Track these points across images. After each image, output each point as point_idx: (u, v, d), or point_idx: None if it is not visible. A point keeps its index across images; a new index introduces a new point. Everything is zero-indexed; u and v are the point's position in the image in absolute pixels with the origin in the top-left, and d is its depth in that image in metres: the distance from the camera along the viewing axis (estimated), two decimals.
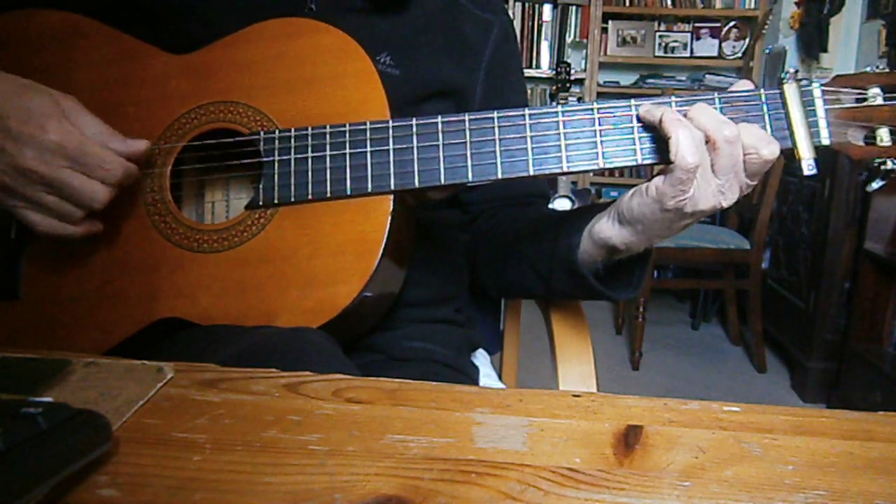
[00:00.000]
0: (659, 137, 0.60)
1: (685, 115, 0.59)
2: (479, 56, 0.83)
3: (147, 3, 0.74)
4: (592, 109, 0.62)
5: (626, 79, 4.01)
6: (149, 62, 0.70)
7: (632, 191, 0.63)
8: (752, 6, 3.81)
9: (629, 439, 0.41)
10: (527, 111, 0.63)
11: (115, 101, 0.70)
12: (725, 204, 0.59)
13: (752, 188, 0.61)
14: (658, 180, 0.59)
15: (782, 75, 0.61)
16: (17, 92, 0.61)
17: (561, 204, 2.47)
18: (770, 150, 0.58)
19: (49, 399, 0.38)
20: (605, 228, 0.66)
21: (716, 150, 0.57)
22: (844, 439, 0.42)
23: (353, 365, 0.61)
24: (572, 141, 0.62)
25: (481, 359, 0.95)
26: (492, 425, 0.43)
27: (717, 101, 0.61)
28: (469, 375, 0.83)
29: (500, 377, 0.97)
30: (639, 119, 0.61)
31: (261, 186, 0.66)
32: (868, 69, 0.62)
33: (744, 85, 0.61)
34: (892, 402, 1.97)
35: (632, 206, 0.62)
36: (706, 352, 2.99)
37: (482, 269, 0.85)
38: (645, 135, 0.61)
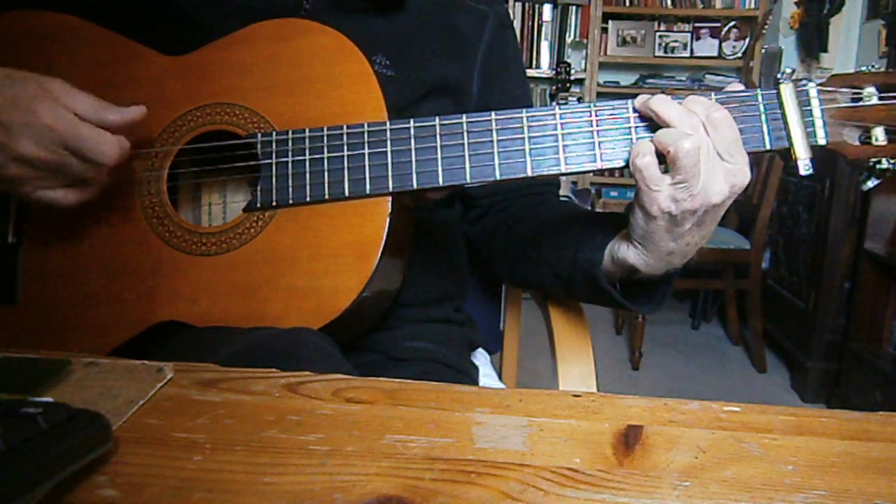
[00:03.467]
0: None
1: (646, 106, 0.60)
2: (474, 48, 0.82)
3: (142, 5, 0.74)
4: (589, 110, 0.62)
5: (626, 79, 4.01)
6: (144, 64, 0.70)
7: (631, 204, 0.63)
8: (752, 6, 3.81)
9: (629, 439, 0.41)
10: (524, 112, 0.62)
11: (111, 103, 0.69)
12: (715, 199, 0.57)
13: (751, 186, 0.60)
14: (637, 190, 0.60)
15: (778, 75, 0.61)
16: (2, 82, 0.60)
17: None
18: (719, 112, 0.57)
19: (49, 399, 0.38)
20: (623, 250, 0.66)
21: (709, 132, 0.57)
22: (844, 439, 0.42)
23: (352, 365, 0.61)
24: (570, 141, 0.62)
25: (481, 359, 0.95)
26: (492, 425, 0.43)
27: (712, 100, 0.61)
28: (469, 375, 0.83)
29: (500, 377, 0.97)
30: (637, 117, 0.61)
31: (258, 189, 0.66)
32: (864, 68, 0.62)
33: (735, 87, 0.61)
34: (892, 402, 1.97)
35: (631, 223, 0.63)
36: (706, 352, 2.99)
37: (497, 263, 0.85)
38: (643, 134, 0.61)
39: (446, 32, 0.80)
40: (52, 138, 0.59)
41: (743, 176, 0.58)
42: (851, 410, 0.46)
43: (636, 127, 0.61)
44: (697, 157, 0.56)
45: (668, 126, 0.58)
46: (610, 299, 0.70)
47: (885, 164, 0.61)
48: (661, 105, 0.58)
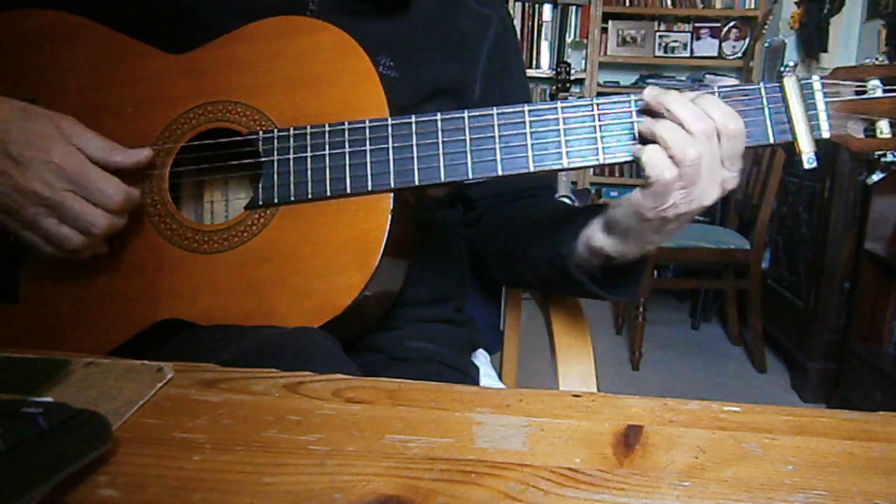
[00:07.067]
0: None
1: (659, 102, 0.58)
2: (477, 51, 0.83)
3: (146, 5, 0.74)
4: (591, 105, 0.62)
5: (626, 79, 4.01)
6: (146, 62, 0.70)
7: (617, 201, 0.63)
8: (752, 6, 3.81)
9: (629, 439, 0.41)
10: (526, 107, 0.62)
11: (112, 101, 0.70)
12: (708, 203, 0.58)
13: (749, 186, 0.60)
14: (637, 193, 0.59)
15: (781, 69, 0.61)
16: (17, 115, 0.61)
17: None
18: (735, 124, 0.57)
19: (49, 399, 0.38)
20: (597, 237, 0.66)
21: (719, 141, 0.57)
22: (844, 439, 0.42)
23: (355, 365, 0.61)
24: (572, 136, 0.62)
25: (481, 359, 0.95)
26: (492, 425, 0.43)
27: (716, 95, 0.60)
28: (469, 375, 0.83)
29: (500, 377, 0.97)
30: (639, 113, 0.61)
31: (260, 186, 0.66)
32: (868, 60, 0.61)
33: (727, 82, 0.61)
34: (892, 402, 1.97)
35: (616, 217, 0.63)
36: (706, 352, 2.99)
37: (491, 264, 0.86)
38: None
39: (450, 35, 0.80)
40: (58, 176, 0.60)
41: (735, 181, 0.59)
42: (851, 410, 0.46)
43: (638, 122, 0.61)
44: (700, 165, 0.56)
45: (678, 124, 0.57)
46: (584, 290, 0.71)
47: (889, 157, 0.61)
48: (676, 104, 0.57)
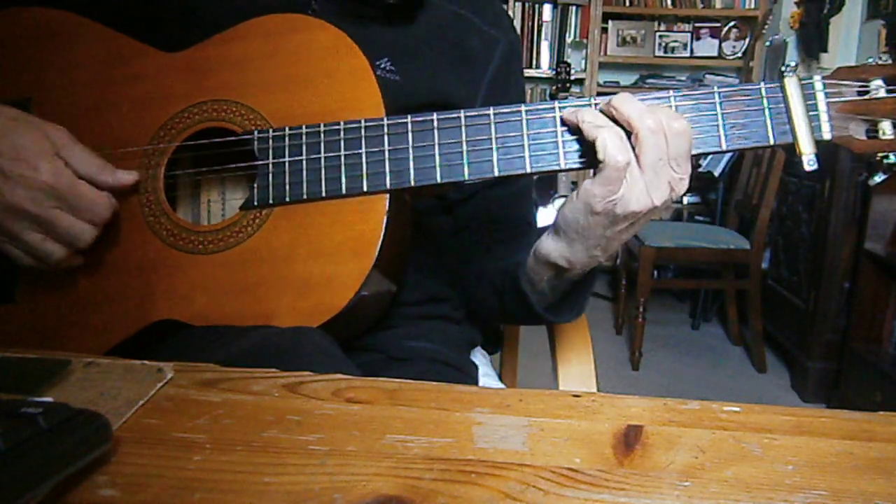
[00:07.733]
0: None
1: (608, 105, 0.59)
2: (481, 71, 0.82)
3: (145, 4, 0.74)
4: (591, 105, 0.62)
5: (626, 79, 4.01)
6: (143, 61, 0.70)
7: (569, 197, 0.63)
8: (752, 6, 3.82)
9: (629, 439, 0.41)
10: (523, 107, 0.62)
11: (108, 100, 0.69)
12: (657, 202, 0.59)
13: (687, 182, 0.60)
14: (587, 182, 0.59)
15: (783, 69, 0.60)
16: (7, 126, 0.61)
17: (561, 204, 2.47)
18: (679, 123, 0.57)
19: (49, 399, 0.38)
20: (545, 242, 0.66)
21: (639, 141, 0.57)
22: (844, 439, 0.42)
23: (354, 365, 0.61)
24: (569, 137, 0.62)
25: (481, 358, 0.95)
26: (492, 425, 0.43)
27: (716, 95, 0.60)
28: (469, 373, 0.83)
29: (500, 377, 0.97)
30: (563, 121, 0.61)
31: (255, 186, 0.66)
32: (871, 60, 0.61)
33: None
34: (892, 402, 1.97)
35: (564, 214, 0.63)
36: (706, 352, 2.99)
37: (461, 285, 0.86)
38: None
39: (455, 51, 0.80)
40: (47, 194, 0.60)
41: (684, 185, 0.59)
42: (851, 410, 0.46)
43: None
44: (625, 172, 0.57)
45: (627, 123, 0.58)
46: (528, 304, 0.71)
47: (892, 159, 0.60)
48: (623, 104, 0.58)
